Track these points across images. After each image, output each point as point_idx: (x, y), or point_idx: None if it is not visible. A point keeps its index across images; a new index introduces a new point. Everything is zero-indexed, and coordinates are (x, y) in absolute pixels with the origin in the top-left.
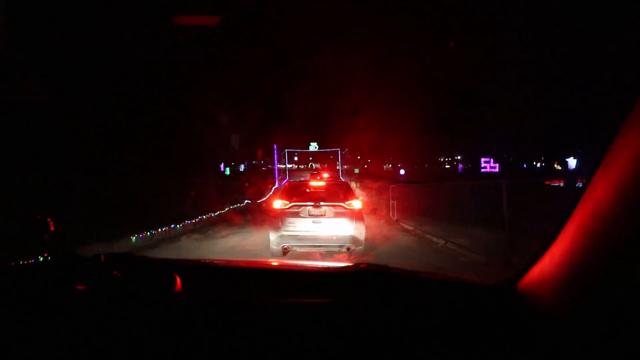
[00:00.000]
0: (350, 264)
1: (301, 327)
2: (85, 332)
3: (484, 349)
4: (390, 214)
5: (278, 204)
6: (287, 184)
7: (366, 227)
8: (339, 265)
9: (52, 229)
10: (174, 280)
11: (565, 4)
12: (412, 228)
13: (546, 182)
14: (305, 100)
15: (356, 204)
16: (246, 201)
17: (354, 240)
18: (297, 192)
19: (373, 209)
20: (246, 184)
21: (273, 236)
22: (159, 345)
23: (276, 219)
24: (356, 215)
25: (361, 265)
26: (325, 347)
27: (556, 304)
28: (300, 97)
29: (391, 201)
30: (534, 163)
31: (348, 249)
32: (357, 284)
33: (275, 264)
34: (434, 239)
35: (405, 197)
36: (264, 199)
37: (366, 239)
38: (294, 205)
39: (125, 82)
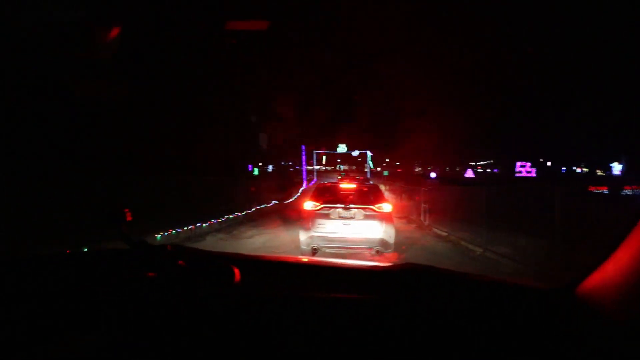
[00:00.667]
0: (396, 263)
1: (348, 321)
2: (153, 315)
3: (540, 353)
4: (422, 219)
5: (309, 205)
6: (317, 185)
7: (396, 232)
8: (385, 264)
9: (129, 219)
10: (233, 272)
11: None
12: (446, 234)
13: (590, 189)
14: (336, 102)
15: (386, 207)
16: (273, 201)
17: (383, 243)
18: (327, 194)
19: (403, 213)
20: (296, 180)
21: (303, 236)
22: (219, 330)
23: (306, 220)
24: (386, 218)
25: (407, 265)
26: (370, 342)
27: (620, 310)
28: (332, 99)
29: (423, 205)
30: (574, 168)
31: (377, 251)
32: (403, 282)
33: (322, 260)
34: (471, 246)
35: (438, 200)
36: (291, 199)
37: (396, 244)
38: (324, 207)
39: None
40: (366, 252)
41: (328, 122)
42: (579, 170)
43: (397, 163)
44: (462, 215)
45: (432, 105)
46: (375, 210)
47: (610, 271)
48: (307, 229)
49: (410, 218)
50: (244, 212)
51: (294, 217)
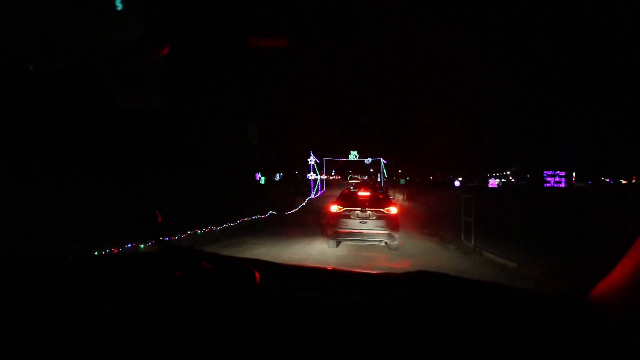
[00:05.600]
0: (410, 271)
1: (365, 322)
2: (179, 312)
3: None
4: (463, 239)
5: (334, 208)
6: (341, 192)
7: (428, 262)
8: (400, 272)
9: (159, 220)
10: (254, 275)
11: None
12: (514, 264)
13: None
14: (347, 109)
15: (393, 209)
16: (270, 212)
17: (390, 236)
18: (348, 199)
19: (430, 228)
20: (303, 190)
21: (330, 231)
22: (239, 328)
23: (332, 219)
24: (393, 218)
25: (420, 272)
26: (382, 343)
27: (625, 316)
28: (342, 105)
29: (464, 218)
30: (602, 178)
31: (386, 243)
32: (417, 286)
33: (339, 268)
34: None
35: (490, 213)
36: (293, 211)
37: None
38: (346, 210)
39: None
40: (377, 243)
41: (339, 129)
42: (608, 179)
43: (405, 176)
44: (544, 233)
45: (450, 112)
46: (384, 212)
47: (616, 278)
48: (333, 226)
49: (444, 235)
50: (223, 225)
51: (289, 233)
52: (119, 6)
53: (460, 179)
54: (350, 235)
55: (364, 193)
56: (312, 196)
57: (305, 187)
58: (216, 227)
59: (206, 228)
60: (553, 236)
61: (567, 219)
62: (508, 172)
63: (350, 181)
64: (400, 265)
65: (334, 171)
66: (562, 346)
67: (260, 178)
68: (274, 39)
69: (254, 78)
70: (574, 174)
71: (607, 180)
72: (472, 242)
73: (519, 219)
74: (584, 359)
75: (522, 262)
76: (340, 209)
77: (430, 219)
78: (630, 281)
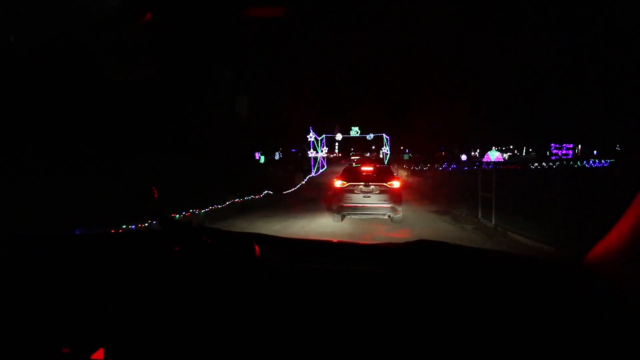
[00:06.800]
0: (410, 241)
1: (365, 292)
2: (177, 285)
3: (547, 324)
4: (480, 217)
5: (338, 183)
6: (344, 168)
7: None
8: (400, 242)
9: (155, 196)
10: (254, 248)
11: None
12: (552, 249)
13: None
14: (348, 84)
15: (395, 183)
16: (265, 192)
17: (393, 209)
18: (352, 174)
19: (438, 204)
20: (304, 168)
21: (334, 206)
22: (240, 299)
23: (337, 194)
24: (396, 192)
25: (420, 241)
26: (383, 313)
27: (620, 277)
28: (344, 80)
29: (481, 193)
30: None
31: (389, 216)
32: (418, 256)
33: (340, 240)
34: None
35: (503, 189)
36: (291, 190)
37: None
38: (350, 184)
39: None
40: (380, 216)
41: (341, 105)
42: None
43: (407, 151)
44: (552, 211)
45: (451, 86)
46: (387, 186)
47: (613, 239)
48: (338, 201)
49: (456, 214)
50: (208, 208)
51: (284, 215)
52: None
53: (464, 154)
54: (355, 209)
55: (367, 168)
56: (313, 174)
57: (306, 164)
58: (199, 210)
59: (186, 212)
60: (596, 214)
61: (603, 195)
62: (511, 146)
63: (352, 157)
64: None
65: (336, 148)
66: (560, 309)
67: (260, 157)
68: (269, 8)
69: (250, 53)
70: (579, 146)
71: (618, 148)
72: (493, 221)
73: (554, 196)
74: (582, 318)
75: (561, 246)
76: (344, 184)
77: (438, 196)
78: (625, 241)
